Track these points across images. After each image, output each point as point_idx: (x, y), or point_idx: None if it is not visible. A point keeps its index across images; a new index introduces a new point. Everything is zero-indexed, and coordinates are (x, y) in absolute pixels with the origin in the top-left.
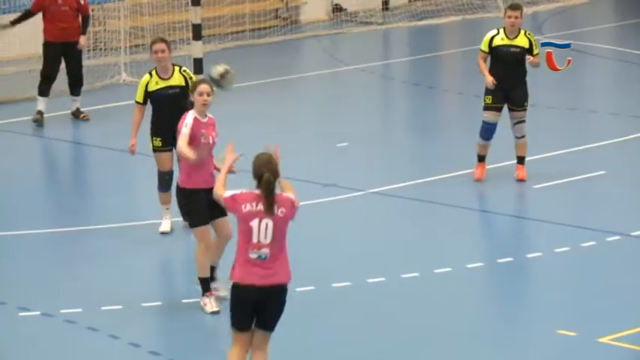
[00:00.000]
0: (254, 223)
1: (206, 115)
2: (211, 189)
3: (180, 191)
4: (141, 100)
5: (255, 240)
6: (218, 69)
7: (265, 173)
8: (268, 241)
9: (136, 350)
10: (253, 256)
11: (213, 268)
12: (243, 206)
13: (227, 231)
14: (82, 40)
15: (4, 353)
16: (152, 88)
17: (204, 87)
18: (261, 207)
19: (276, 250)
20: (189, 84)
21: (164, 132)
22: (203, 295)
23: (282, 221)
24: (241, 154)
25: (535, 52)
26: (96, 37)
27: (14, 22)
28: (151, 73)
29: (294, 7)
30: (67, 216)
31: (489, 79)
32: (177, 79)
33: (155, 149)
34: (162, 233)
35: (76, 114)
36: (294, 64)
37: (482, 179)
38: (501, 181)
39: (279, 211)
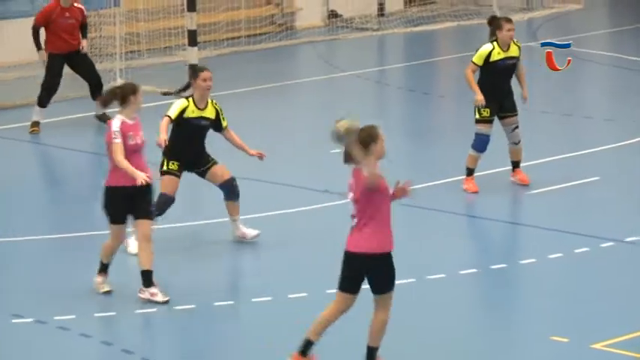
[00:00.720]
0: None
1: (134, 117)
2: (137, 187)
3: (106, 189)
4: (174, 117)
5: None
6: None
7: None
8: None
9: (129, 357)
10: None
11: (150, 272)
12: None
13: (144, 231)
14: (85, 42)
15: None
16: (189, 114)
17: (141, 90)
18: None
19: (362, 218)
20: (220, 117)
21: (184, 158)
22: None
23: (359, 192)
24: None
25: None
26: (92, 43)
27: (38, 48)
28: (188, 100)
29: (289, 13)
30: (61, 223)
31: (480, 97)
32: (210, 112)
33: (168, 172)
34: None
35: (103, 118)
36: (290, 70)
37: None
38: (495, 187)
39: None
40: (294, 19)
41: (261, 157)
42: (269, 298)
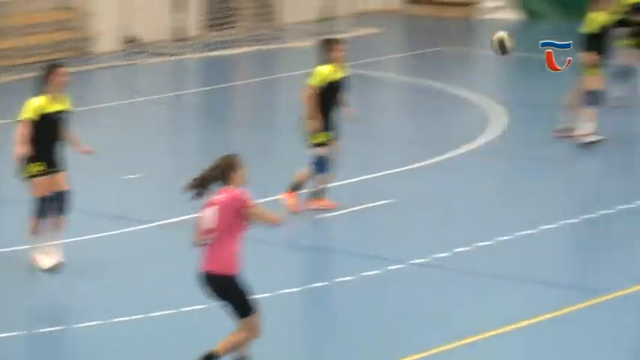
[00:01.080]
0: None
1: None
2: None
3: None
4: (33, 116)
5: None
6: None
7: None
8: (209, 226)
9: None
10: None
11: None
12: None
13: None
14: None
15: None
16: (49, 110)
17: None
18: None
19: (216, 238)
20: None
21: (48, 156)
22: None
23: (222, 209)
24: None
25: None
26: None
27: None
28: (41, 98)
29: (85, 38)
30: None
31: (317, 125)
32: (66, 104)
33: (37, 174)
34: (51, 269)
35: None
36: (87, 96)
37: None
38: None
39: (222, 197)
40: (91, 44)
41: (89, 153)
42: (61, 327)
